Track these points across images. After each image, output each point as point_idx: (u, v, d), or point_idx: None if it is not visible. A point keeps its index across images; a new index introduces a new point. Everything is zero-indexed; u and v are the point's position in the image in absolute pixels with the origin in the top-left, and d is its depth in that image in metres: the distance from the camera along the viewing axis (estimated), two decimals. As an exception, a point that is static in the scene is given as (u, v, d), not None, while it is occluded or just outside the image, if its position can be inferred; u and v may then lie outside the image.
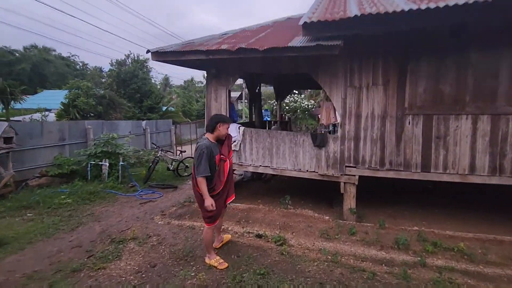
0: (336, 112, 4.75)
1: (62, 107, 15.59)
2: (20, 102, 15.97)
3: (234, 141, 5.21)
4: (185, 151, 9.00)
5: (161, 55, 4.82)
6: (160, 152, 7.98)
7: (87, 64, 42.29)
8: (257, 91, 8.03)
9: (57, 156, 7.45)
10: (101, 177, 7.18)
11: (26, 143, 6.84)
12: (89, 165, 7.17)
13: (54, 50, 42.39)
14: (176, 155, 8.66)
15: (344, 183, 4.78)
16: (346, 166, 4.76)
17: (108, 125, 9.55)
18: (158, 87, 26.70)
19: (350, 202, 4.79)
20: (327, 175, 4.85)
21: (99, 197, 6.25)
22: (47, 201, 5.67)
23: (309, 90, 30.20)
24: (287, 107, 23.05)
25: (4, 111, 15.12)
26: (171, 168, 8.24)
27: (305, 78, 8.55)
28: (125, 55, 19.65)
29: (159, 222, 4.92)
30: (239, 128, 5.28)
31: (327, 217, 4.95)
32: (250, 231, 4.45)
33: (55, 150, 7.59)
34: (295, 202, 5.52)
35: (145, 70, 19.55)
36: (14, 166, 6.57)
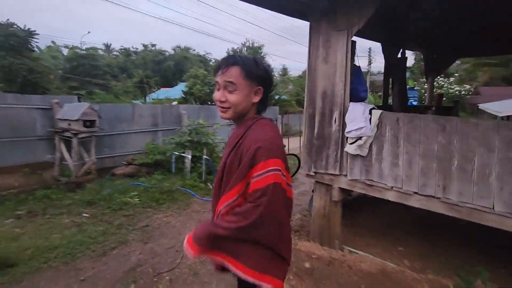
0: None
1: (184, 96, 16.45)
2: (153, 92, 17.89)
3: (360, 138, 2.64)
4: (284, 146, 6.86)
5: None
6: (252, 145, 6.16)
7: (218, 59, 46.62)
8: (398, 56, 4.97)
9: (148, 143, 6.77)
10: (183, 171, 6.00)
11: (116, 127, 6.33)
12: (172, 156, 6.10)
13: (194, 50, 48.93)
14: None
15: None
16: None
17: (206, 110, 8.54)
18: (275, 77, 25.84)
19: None
20: None
21: (171, 199, 4.93)
22: (114, 198, 4.72)
23: (460, 72, 22.44)
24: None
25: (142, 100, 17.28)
26: (266, 167, 6.31)
27: (480, 34, 4.84)
28: (241, 43, 19.24)
29: (221, 262, 2.98)
30: (369, 112, 2.66)
31: None
32: None
33: (148, 136, 6.95)
34: (482, 263, 2.50)
35: (258, 56, 18.60)
36: (105, 152, 6.13)
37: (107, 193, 4.89)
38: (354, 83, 2.92)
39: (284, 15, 3.43)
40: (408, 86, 6.83)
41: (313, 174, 3.06)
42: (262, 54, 19.06)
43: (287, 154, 5.43)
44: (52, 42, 21.23)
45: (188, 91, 15.37)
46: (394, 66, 4.87)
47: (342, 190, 2.98)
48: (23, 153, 5.16)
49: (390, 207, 4.30)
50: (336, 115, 2.89)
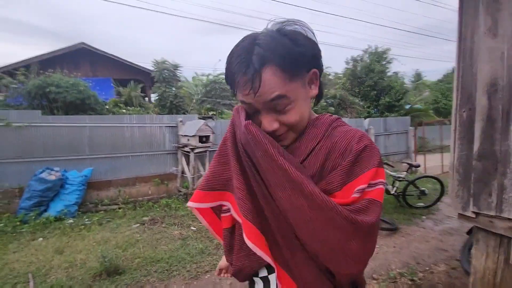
0: None
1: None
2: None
3: None
4: (418, 165, 5.34)
5: None
6: (372, 164, 5.02)
7: (338, 72, 45.30)
8: None
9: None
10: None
11: (230, 143, 6.53)
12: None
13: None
14: (406, 170, 5.27)
15: None
16: None
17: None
18: (405, 84, 22.33)
19: None
20: None
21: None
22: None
23: None
24: None
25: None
26: (391, 192, 5.02)
27: None
28: (363, 50, 17.62)
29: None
30: None
31: None
32: None
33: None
34: None
35: (383, 62, 16.50)
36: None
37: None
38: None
39: None
40: None
41: (473, 216, 1.90)
42: (388, 59, 16.81)
43: (426, 176, 4.03)
44: (195, 73, 25.83)
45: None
46: None
47: (535, 249, 1.69)
48: (156, 165, 5.96)
49: None
50: (519, 118, 1.70)
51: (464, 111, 1.97)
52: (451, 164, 2.04)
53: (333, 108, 14.73)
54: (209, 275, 3.00)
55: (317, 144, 0.73)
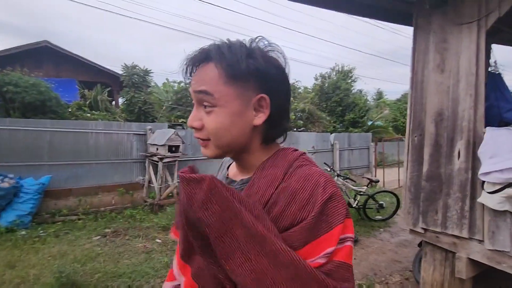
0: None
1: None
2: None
3: (510, 185, 1.64)
4: (377, 181, 5.72)
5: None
6: (336, 178, 5.29)
7: (307, 87, 47.08)
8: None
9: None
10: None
11: (200, 152, 6.50)
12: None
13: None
14: (366, 185, 5.61)
15: None
16: None
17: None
18: (368, 101, 23.89)
19: None
20: None
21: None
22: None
23: None
24: None
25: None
26: (353, 205, 5.30)
27: None
28: (330, 68, 18.62)
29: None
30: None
31: None
32: None
33: (229, 163, 6.92)
34: None
35: (349, 80, 17.53)
36: (187, 176, 6.33)
37: (183, 219, 4.86)
38: (492, 98, 1.94)
39: (382, 23, 2.74)
40: None
41: (422, 231, 2.12)
42: (353, 78, 17.91)
43: (384, 191, 4.29)
44: (166, 79, 25.30)
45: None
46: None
47: (475, 263, 1.93)
48: (121, 174, 5.73)
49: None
50: (460, 146, 1.95)
51: (415, 136, 2.21)
52: (404, 184, 2.27)
53: (301, 122, 15.26)
54: (174, 290, 2.95)
55: (275, 190, 0.62)
